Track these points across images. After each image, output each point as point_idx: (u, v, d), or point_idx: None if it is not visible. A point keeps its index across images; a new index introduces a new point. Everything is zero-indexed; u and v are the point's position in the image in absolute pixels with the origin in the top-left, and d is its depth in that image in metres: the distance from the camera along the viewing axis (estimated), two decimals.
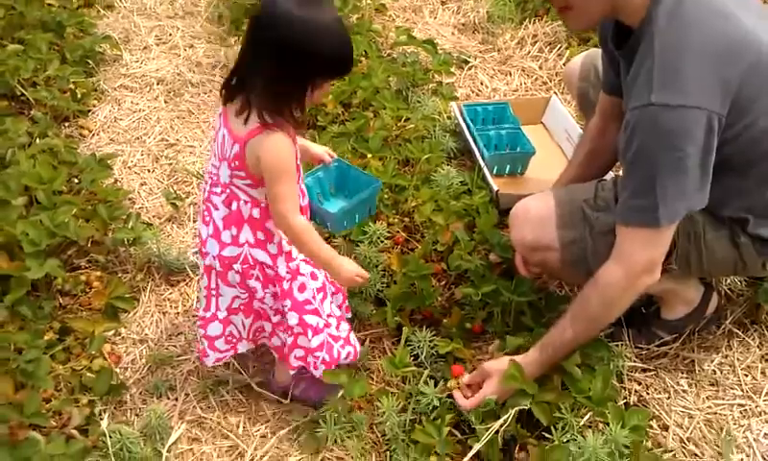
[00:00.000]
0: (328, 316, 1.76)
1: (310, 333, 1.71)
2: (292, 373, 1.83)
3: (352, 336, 1.83)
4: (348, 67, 1.53)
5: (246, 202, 1.59)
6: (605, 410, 1.67)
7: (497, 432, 1.66)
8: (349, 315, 1.97)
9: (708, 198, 1.59)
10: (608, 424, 1.64)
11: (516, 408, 1.67)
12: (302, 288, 1.69)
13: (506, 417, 1.66)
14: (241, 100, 1.50)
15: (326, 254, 1.64)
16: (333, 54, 1.47)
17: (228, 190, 1.60)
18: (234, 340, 1.82)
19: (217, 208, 1.63)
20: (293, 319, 1.69)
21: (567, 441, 1.62)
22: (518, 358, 1.74)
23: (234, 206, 1.60)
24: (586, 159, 2.11)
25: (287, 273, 1.66)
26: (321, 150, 1.95)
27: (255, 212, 1.60)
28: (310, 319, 1.70)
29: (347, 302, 1.93)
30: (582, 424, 1.69)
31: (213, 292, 1.73)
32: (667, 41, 1.50)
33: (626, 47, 1.65)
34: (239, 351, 1.85)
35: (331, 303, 1.81)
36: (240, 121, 1.50)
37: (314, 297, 1.71)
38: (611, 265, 1.65)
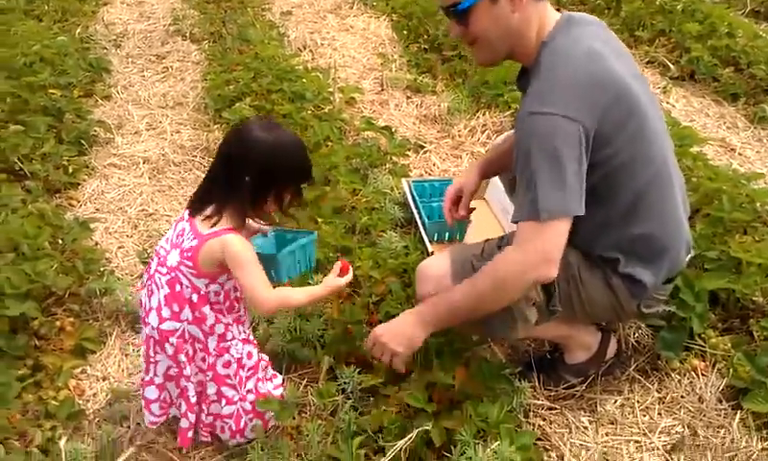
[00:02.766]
0: (248, 392, 2.02)
1: (223, 402, 1.98)
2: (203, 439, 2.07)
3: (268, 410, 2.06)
4: (309, 174, 1.92)
5: (187, 287, 1.87)
6: (499, 432, 1.90)
7: (403, 450, 1.89)
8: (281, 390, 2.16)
9: (580, 234, 1.84)
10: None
11: (420, 429, 1.90)
12: (227, 365, 1.96)
13: (410, 436, 1.89)
14: (212, 208, 1.84)
15: (311, 296, 1.98)
16: (297, 166, 1.87)
17: (173, 274, 1.87)
18: (165, 406, 2.04)
19: (160, 288, 1.89)
20: (211, 389, 1.97)
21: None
22: (414, 309, 2.02)
23: (177, 288, 1.87)
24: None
25: (214, 350, 1.93)
26: (255, 226, 2.15)
27: (194, 297, 1.88)
28: (227, 391, 1.98)
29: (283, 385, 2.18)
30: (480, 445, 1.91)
31: (152, 359, 1.97)
32: (547, 70, 1.81)
33: (522, 82, 1.97)
34: (170, 416, 2.08)
35: (258, 380, 2.05)
36: (206, 224, 1.83)
37: (236, 374, 1.98)
38: (509, 250, 1.84)
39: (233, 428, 2.02)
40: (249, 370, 2.02)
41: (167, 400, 2.04)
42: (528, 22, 1.87)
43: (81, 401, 2.25)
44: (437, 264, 2.10)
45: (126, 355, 2.44)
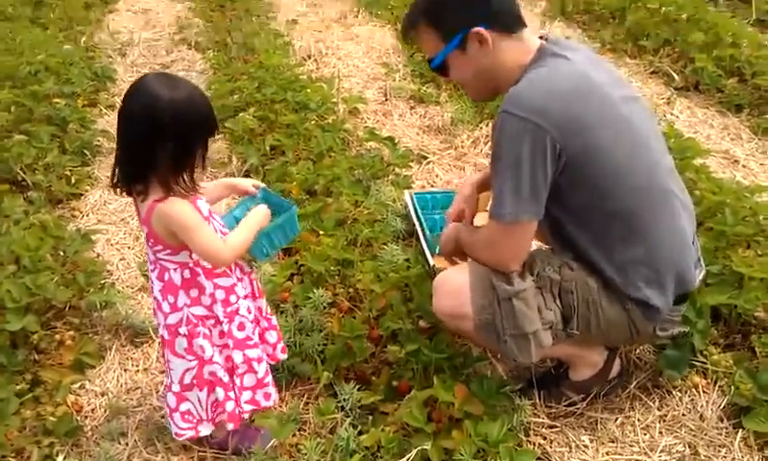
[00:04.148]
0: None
1: (255, 365, 1.95)
2: (246, 417, 2.00)
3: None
4: (216, 123, 1.79)
5: (175, 269, 1.85)
6: (498, 451, 1.88)
7: None
8: (285, 356, 2.16)
9: (588, 256, 1.91)
10: None
11: (419, 448, 1.89)
12: (242, 327, 1.93)
13: (408, 456, 1.89)
14: (142, 185, 1.75)
15: (250, 233, 1.89)
16: (211, 120, 1.76)
17: (158, 265, 1.86)
18: (195, 420, 1.97)
19: (154, 284, 1.88)
20: (238, 356, 1.92)
21: None
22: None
23: (167, 276, 1.85)
24: None
25: (225, 316, 1.89)
26: (247, 182, 2.11)
27: (186, 273, 1.85)
28: (252, 352, 1.95)
29: (282, 343, 2.14)
30: None
31: (167, 365, 1.96)
32: (527, 78, 1.86)
33: None
34: (201, 435, 1.99)
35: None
36: (143, 204, 1.77)
37: (253, 332, 1.96)
38: (482, 243, 2.00)
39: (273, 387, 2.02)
40: (251, 323, 1.98)
41: (192, 413, 1.96)
42: (502, 60, 1.94)
43: (79, 418, 2.24)
44: (455, 278, 2.07)
45: (125, 370, 2.44)
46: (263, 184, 2.13)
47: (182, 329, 1.88)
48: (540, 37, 1.98)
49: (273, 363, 2.12)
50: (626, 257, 1.93)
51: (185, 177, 1.77)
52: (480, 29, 1.90)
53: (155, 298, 1.90)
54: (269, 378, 2.00)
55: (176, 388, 1.94)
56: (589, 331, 2.00)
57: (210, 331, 1.91)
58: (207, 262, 1.83)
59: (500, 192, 1.84)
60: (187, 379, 1.93)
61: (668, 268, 1.95)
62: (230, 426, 1.97)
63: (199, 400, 1.95)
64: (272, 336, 2.10)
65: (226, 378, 1.93)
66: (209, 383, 1.94)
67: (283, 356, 2.15)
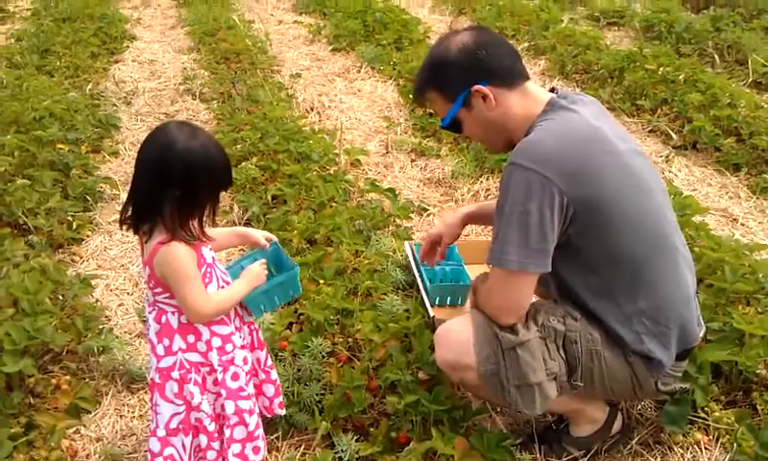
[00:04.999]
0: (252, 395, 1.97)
1: (246, 416, 1.92)
2: None
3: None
4: (229, 177, 1.84)
5: (173, 313, 1.85)
6: None
7: None
8: (283, 411, 2.16)
9: (592, 308, 1.93)
10: None
11: None
12: (236, 377, 1.91)
13: None
14: (148, 226, 1.79)
15: (238, 294, 1.90)
16: (224, 173, 1.81)
17: (156, 307, 1.87)
18: None
19: (151, 326, 1.89)
20: (229, 407, 1.90)
21: None
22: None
23: (164, 319, 1.86)
24: None
25: (219, 365, 1.88)
26: (259, 234, 2.10)
27: (183, 318, 1.85)
28: (244, 404, 1.92)
29: (280, 398, 2.13)
30: None
31: (155, 408, 1.93)
32: (538, 129, 1.91)
33: None
34: None
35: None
36: (147, 245, 1.79)
37: (247, 383, 1.93)
38: (484, 292, 2.01)
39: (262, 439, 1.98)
40: (246, 374, 1.96)
41: (174, 458, 1.93)
42: (509, 112, 2.00)
43: None
44: (457, 328, 2.06)
45: (121, 416, 2.41)
46: (275, 238, 2.14)
47: (174, 374, 1.87)
48: (551, 90, 2.04)
49: (269, 416, 2.11)
50: (630, 310, 1.93)
51: (193, 225, 1.79)
52: (479, 86, 1.97)
53: (149, 340, 1.90)
54: (259, 432, 1.98)
55: (161, 433, 1.91)
56: (593, 384, 2.00)
57: (204, 379, 1.90)
58: (186, 315, 1.84)
59: (506, 241, 1.85)
60: (174, 424, 1.91)
61: (672, 322, 1.95)
62: None
63: (183, 446, 1.93)
64: (269, 390, 2.08)
65: (211, 428, 1.91)
66: (195, 429, 1.93)
67: (281, 412, 2.13)
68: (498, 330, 1.97)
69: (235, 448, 1.94)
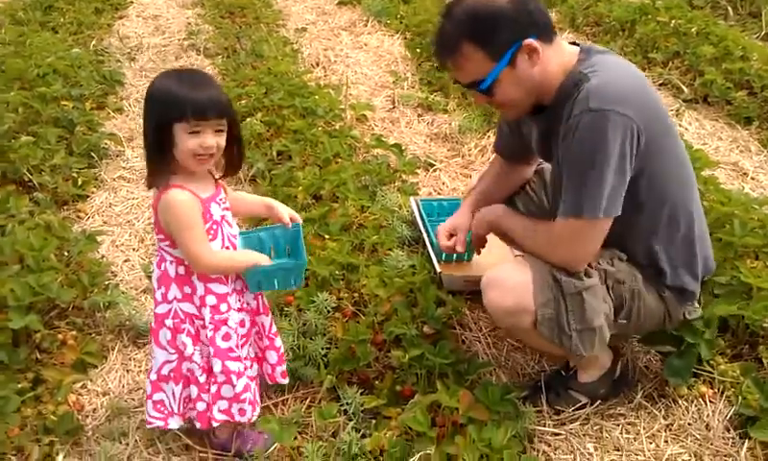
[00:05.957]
0: (245, 359, 1.97)
1: (234, 378, 1.91)
2: (215, 425, 1.96)
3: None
4: (187, 106, 1.68)
5: (171, 262, 1.85)
6: (502, 457, 1.86)
7: None
8: (286, 380, 2.14)
9: (631, 245, 1.98)
10: None
11: (421, 453, 1.87)
12: (227, 337, 1.90)
13: (412, 459, 1.86)
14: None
15: (241, 261, 1.87)
16: (172, 99, 1.69)
17: (159, 253, 1.88)
18: (165, 412, 1.97)
19: (155, 271, 1.89)
20: (216, 365, 1.89)
21: None
22: (505, 212, 2.20)
23: (163, 266, 1.86)
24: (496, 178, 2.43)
25: (211, 323, 1.87)
26: (284, 212, 2.02)
27: (181, 270, 1.85)
28: (232, 365, 1.91)
29: (283, 366, 2.12)
30: None
31: (151, 353, 1.95)
32: (596, 73, 1.84)
33: (545, 112, 1.98)
34: (170, 427, 1.98)
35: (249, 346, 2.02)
36: (156, 190, 1.80)
37: (237, 345, 1.92)
38: (558, 240, 1.92)
39: (251, 399, 1.95)
40: (242, 337, 1.95)
41: (164, 404, 1.97)
42: (547, 68, 1.90)
43: (80, 417, 2.22)
44: (512, 274, 2.03)
45: (127, 371, 2.42)
46: (300, 220, 2.06)
47: (168, 322, 1.89)
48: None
49: (271, 384, 2.11)
50: (670, 244, 1.99)
51: (166, 166, 1.75)
52: (531, 41, 1.84)
53: (152, 283, 1.92)
54: (246, 395, 1.94)
55: (153, 377, 1.95)
56: (630, 322, 2.03)
57: (198, 331, 1.91)
58: (188, 262, 1.83)
59: (589, 189, 1.80)
60: (165, 371, 1.94)
61: (700, 251, 2.04)
62: (198, 426, 1.97)
63: (173, 394, 1.96)
64: (272, 356, 2.08)
65: (202, 379, 1.93)
66: (186, 379, 1.95)
67: (284, 381, 2.12)
68: (561, 276, 1.93)
69: (222, 404, 1.94)
